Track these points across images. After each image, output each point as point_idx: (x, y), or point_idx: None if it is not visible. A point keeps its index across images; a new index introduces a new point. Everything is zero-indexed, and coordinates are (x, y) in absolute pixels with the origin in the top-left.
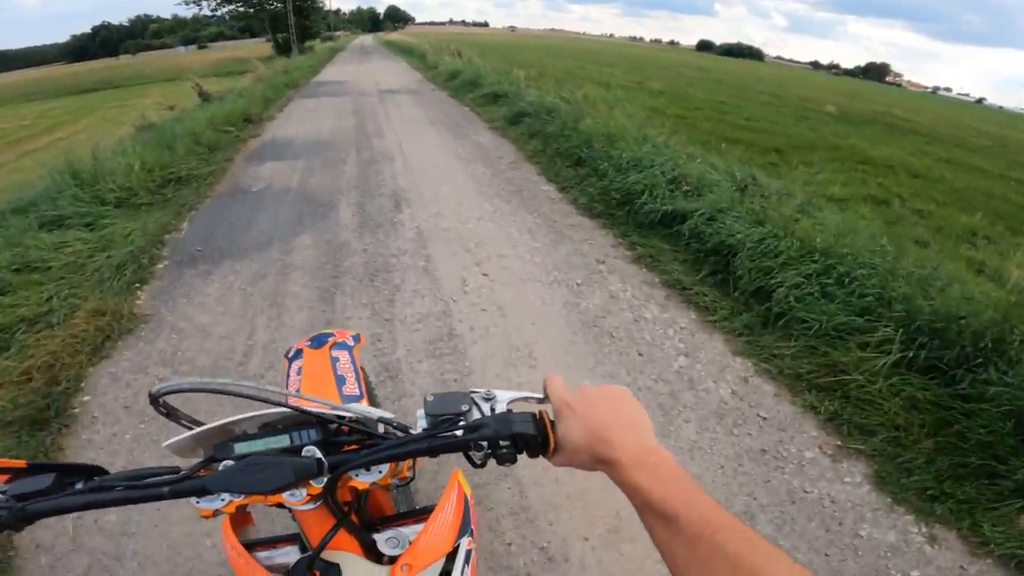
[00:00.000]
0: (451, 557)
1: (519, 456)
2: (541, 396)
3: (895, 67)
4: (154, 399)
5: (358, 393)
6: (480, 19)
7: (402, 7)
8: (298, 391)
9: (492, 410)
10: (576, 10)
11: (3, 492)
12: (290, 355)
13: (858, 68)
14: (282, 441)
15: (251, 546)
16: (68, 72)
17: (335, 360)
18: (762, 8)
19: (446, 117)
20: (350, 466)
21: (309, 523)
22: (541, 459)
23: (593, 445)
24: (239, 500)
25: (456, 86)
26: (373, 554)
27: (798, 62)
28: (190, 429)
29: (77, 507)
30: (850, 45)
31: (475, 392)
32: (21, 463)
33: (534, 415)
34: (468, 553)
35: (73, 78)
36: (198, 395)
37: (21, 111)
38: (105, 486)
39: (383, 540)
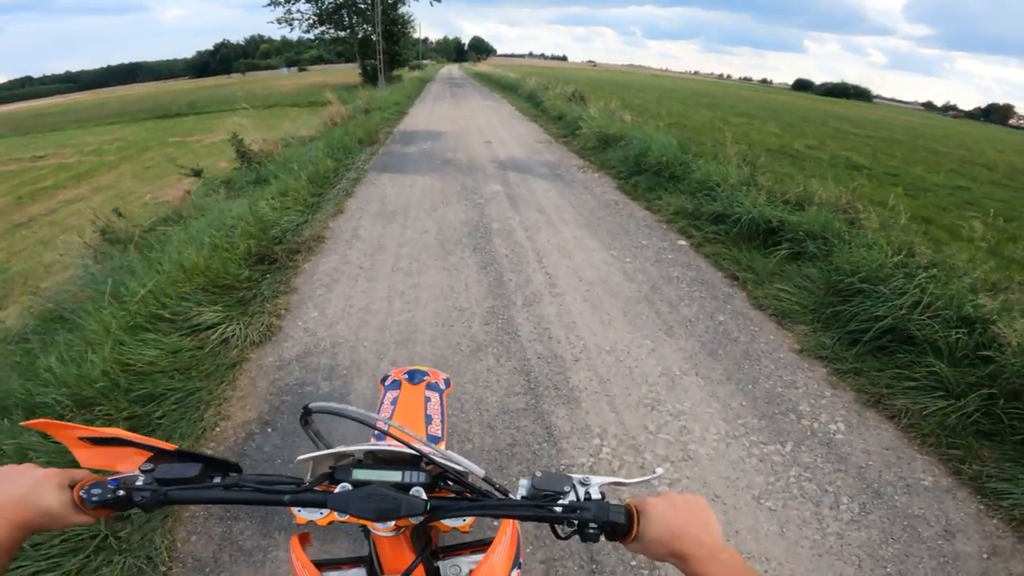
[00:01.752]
0: None
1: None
2: (629, 482)
3: (1019, 108)
4: (306, 412)
5: (440, 435)
6: (559, 52)
7: (484, 38)
8: (404, 430)
9: (587, 494)
10: (654, 46)
11: (147, 471)
12: (387, 383)
13: (978, 110)
14: (394, 476)
15: (320, 565)
16: (179, 89)
17: (427, 400)
18: (857, 45)
19: (661, 267)
20: (450, 514)
21: (385, 549)
22: None
23: (672, 541)
24: (334, 517)
25: (617, 165)
26: None
27: (906, 102)
28: (317, 446)
29: (210, 500)
30: (959, 82)
31: (574, 476)
32: (171, 447)
33: (627, 507)
34: None
35: (174, 96)
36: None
37: (86, 138)
38: (238, 484)
39: (447, 568)
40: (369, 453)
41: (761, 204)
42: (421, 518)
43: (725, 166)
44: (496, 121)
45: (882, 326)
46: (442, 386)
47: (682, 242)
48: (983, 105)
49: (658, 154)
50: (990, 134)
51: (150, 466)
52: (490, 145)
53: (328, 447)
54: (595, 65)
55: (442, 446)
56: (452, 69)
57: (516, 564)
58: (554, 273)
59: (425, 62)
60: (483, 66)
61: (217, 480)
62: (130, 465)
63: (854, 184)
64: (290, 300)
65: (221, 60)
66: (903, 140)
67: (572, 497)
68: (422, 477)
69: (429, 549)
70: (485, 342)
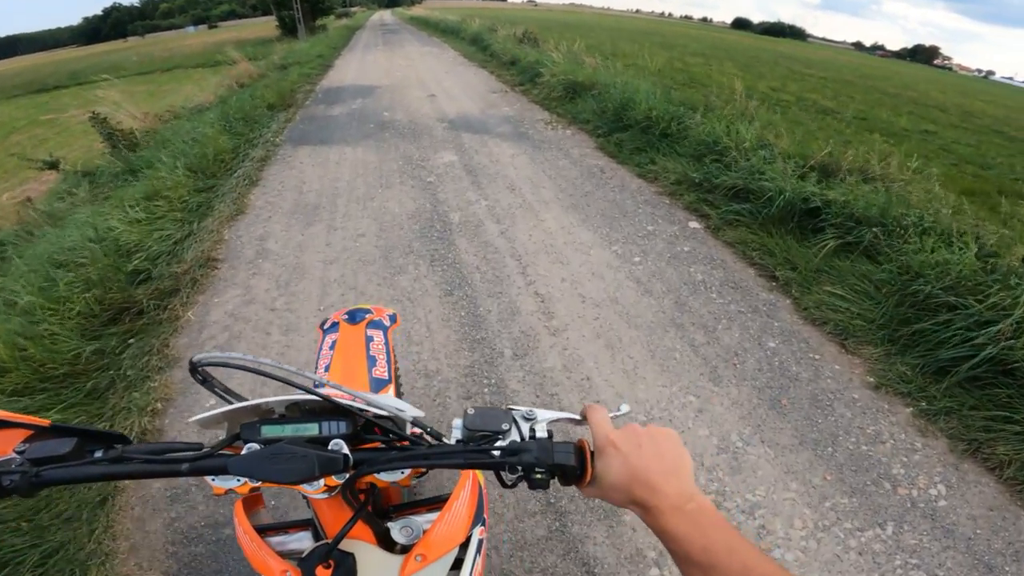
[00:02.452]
0: (464, 546)
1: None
2: (580, 419)
3: (943, 49)
4: (193, 367)
5: (387, 377)
6: None
7: None
8: (327, 370)
9: (532, 431)
10: None
11: (21, 453)
12: (325, 327)
13: (905, 50)
14: (311, 429)
15: (263, 530)
16: (65, 58)
17: (369, 339)
18: None
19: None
20: (376, 468)
21: (324, 512)
22: None
23: (632, 487)
24: (255, 483)
25: (593, 119)
26: (386, 543)
27: (837, 42)
28: (223, 399)
29: (92, 477)
30: (886, 23)
31: (515, 409)
32: (45, 422)
33: (576, 445)
34: (480, 542)
35: (56, 66)
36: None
37: None
38: (124, 457)
39: (397, 529)
40: (294, 405)
41: (789, 176)
42: (346, 475)
43: (735, 124)
44: (439, 69)
45: (983, 357)
46: (386, 323)
47: (695, 224)
48: (909, 46)
49: (645, 107)
50: (923, 74)
51: (24, 446)
52: (435, 100)
53: (232, 396)
54: (535, 5)
55: (390, 389)
56: (384, 15)
57: (478, 520)
58: (547, 293)
59: (353, 10)
60: (418, 10)
61: (99, 454)
62: (5, 447)
63: (841, 135)
64: (170, 381)
65: (114, 24)
66: (854, 81)
67: (514, 436)
68: (343, 427)
69: (366, 508)
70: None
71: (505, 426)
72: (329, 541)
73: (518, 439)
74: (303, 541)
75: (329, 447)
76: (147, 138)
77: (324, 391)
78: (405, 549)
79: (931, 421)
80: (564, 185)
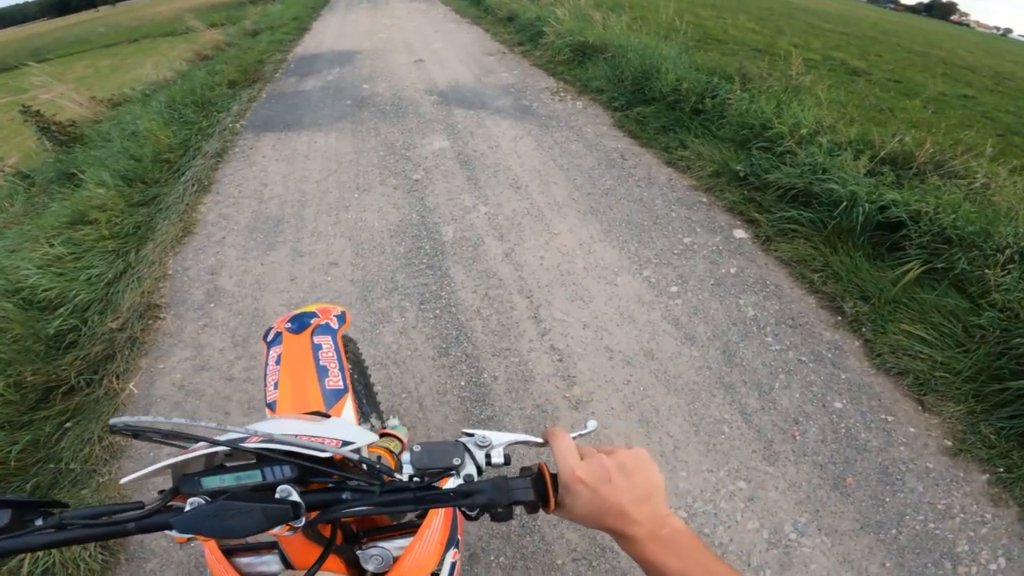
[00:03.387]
0: (436, 572)
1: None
2: (540, 441)
3: (961, 5)
4: (112, 430)
5: (342, 387)
6: None
7: None
8: (276, 388)
9: (487, 458)
10: None
11: None
12: (269, 338)
13: (921, 4)
14: (253, 477)
15: (232, 551)
16: (31, 33)
17: (317, 348)
18: None
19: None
20: (329, 516)
21: (291, 545)
22: None
23: (604, 518)
24: None
25: (607, 88)
26: (357, 569)
27: None
28: (164, 444)
29: (36, 546)
30: None
31: (467, 436)
32: None
33: (533, 477)
34: (453, 566)
35: (20, 43)
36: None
37: None
38: (65, 524)
39: (367, 558)
40: (238, 451)
41: (861, 175)
42: (302, 521)
43: (787, 101)
44: (428, 28)
45: None
46: (335, 324)
47: (741, 233)
48: (925, 0)
49: (672, 78)
50: (944, 31)
51: None
52: (423, 66)
53: (171, 439)
54: None
55: (347, 399)
56: None
57: (452, 543)
58: (567, 348)
59: None
60: None
61: (39, 522)
62: None
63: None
64: (121, 473)
65: None
66: (877, 38)
67: (469, 468)
68: (287, 471)
69: (334, 543)
70: None
71: (456, 460)
72: (296, 572)
73: (473, 471)
74: (271, 564)
75: (277, 494)
76: (94, 130)
77: (252, 443)
78: None
79: (1007, 488)
80: (579, 180)
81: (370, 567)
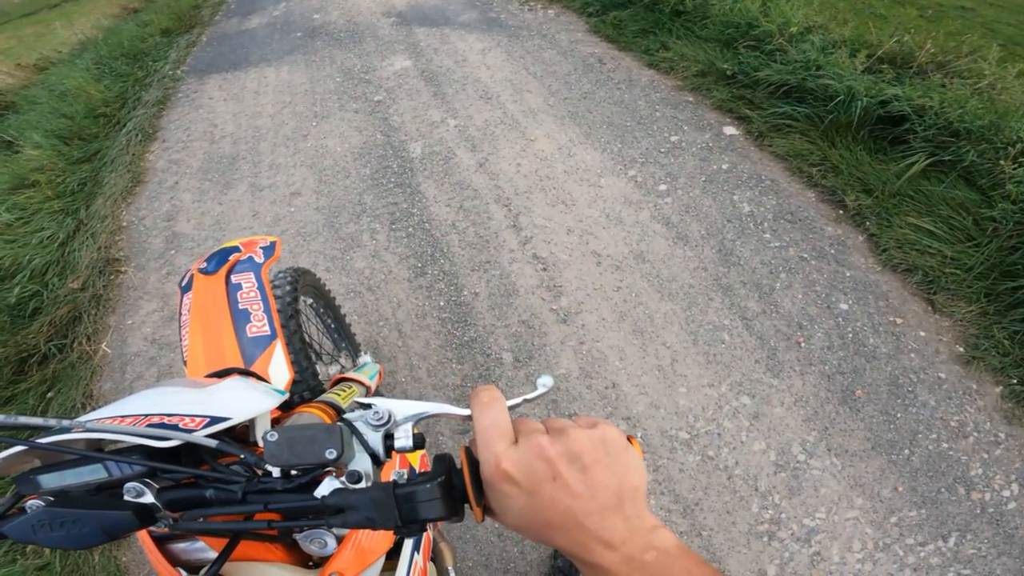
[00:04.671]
0: (395, 551)
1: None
2: (466, 413)
3: None
4: None
5: (268, 332)
6: None
7: None
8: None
9: (388, 440)
10: None
11: None
12: (183, 283)
13: None
14: (96, 472)
15: (165, 539)
16: None
17: (235, 288)
18: None
19: None
20: (192, 520)
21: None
22: None
23: (551, 537)
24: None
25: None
26: (298, 555)
27: None
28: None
29: None
30: None
31: (360, 410)
32: None
33: (443, 478)
34: (418, 540)
35: None
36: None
37: None
38: None
39: (307, 541)
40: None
41: (857, 72)
42: (166, 522)
43: (775, 0)
44: None
45: None
46: (260, 258)
47: (731, 130)
48: None
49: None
50: None
51: None
52: None
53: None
54: None
55: (276, 347)
56: None
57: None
58: (551, 255)
59: None
60: None
61: None
62: None
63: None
64: None
65: None
66: None
67: (359, 463)
68: (136, 466)
69: (230, 547)
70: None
71: (330, 451)
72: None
73: (367, 463)
74: (207, 551)
75: (124, 493)
76: (22, 96)
77: (78, 433)
78: (324, 560)
79: (1021, 403)
80: (555, 86)
81: (314, 548)
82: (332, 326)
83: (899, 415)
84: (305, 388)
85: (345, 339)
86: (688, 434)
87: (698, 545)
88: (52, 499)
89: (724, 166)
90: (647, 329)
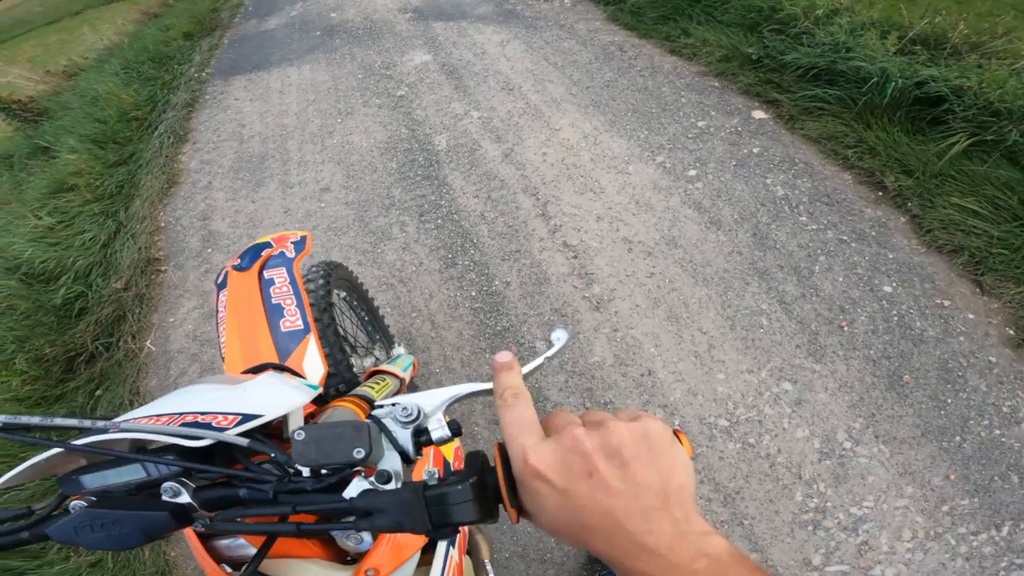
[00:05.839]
0: (431, 545)
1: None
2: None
3: None
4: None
5: (301, 326)
6: None
7: None
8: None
9: (421, 435)
10: None
11: None
12: (219, 281)
13: None
14: (136, 472)
15: (210, 536)
16: None
17: (268, 284)
18: None
19: None
20: (228, 520)
21: None
22: None
23: (589, 540)
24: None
25: None
26: (335, 550)
27: None
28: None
29: None
30: None
31: (386, 406)
32: None
33: (478, 474)
34: (453, 538)
35: None
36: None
37: None
38: None
39: (343, 537)
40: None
41: (889, 54)
42: (205, 522)
43: None
44: None
45: None
46: (291, 253)
47: (760, 114)
48: None
49: None
50: None
51: None
52: None
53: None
54: None
55: (309, 341)
56: None
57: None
58: (581, 243)
59: None
60: None
61: None
62: None
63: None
64: None
65: None
66: None
67: (389, 462)
68: (173, 467)
69: (266, 547)
70: None
71: (358, 451)
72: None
73: (397, 462)
74: (249, 547)
75: (162, 493)
76: (54, 101)
77: (111, 435)
78: (361, 555)
79: None
80: (576, 75)
81: (350, 544)
82: (366, 319)
83: (949, 400)
84: (340, 381)
85: (379, 331)
86: (728, 421)
87: (739, 535)
88: (94, 499)
89: (755, 150)
90: (682, 315)
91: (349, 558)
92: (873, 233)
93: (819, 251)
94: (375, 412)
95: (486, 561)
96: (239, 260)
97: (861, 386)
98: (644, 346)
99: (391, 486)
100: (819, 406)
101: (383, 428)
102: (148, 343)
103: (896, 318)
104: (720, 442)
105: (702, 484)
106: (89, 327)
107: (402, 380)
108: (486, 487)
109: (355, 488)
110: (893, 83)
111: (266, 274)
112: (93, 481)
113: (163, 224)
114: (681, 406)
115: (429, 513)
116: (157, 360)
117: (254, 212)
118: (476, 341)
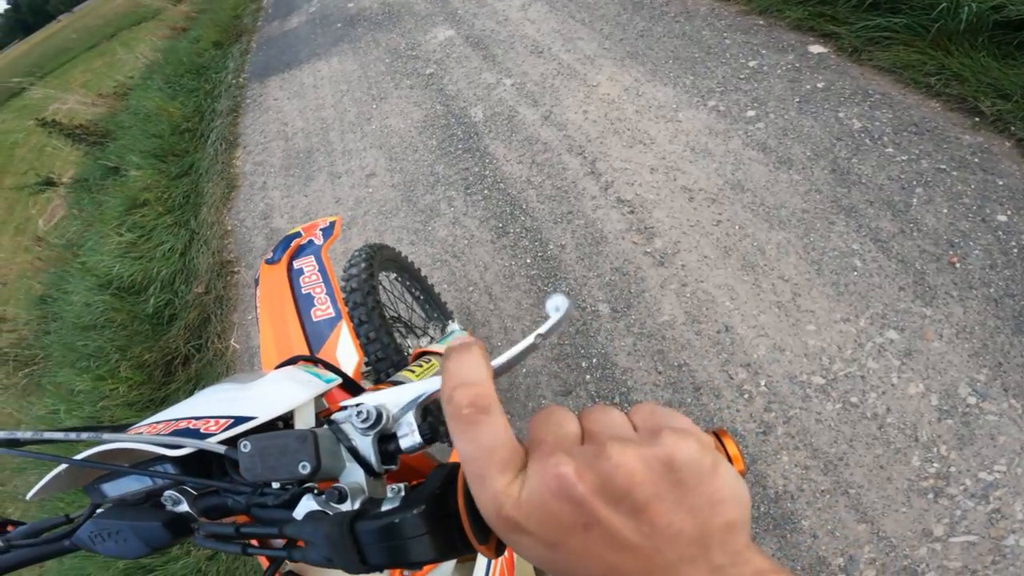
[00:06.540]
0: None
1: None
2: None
3: None
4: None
5: (333, 314)
6: None
7: None
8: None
9: (387, 443)
10: None
11: None
12: (256, 277)
13: None
14: (143, 481)
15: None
16: (16, 56)
17: (297, 273)
18: None
19: None
20: (221, 528)
21: None
22: None
23: None
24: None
25: None
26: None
27: None
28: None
29: None
30: None
31: (349, 407)
32: None
33: (433, 499)
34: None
35: (11, 68)
36: None
37: None
38: (12, 546)
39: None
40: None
41: None
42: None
43: None
44: None
45: None
46: (319, 240)
47: (818, 48)
48: None
49: None
50: None
51: None
52: None
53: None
54: None
55: (341, 328)
56: None
57: None
58: (636, 197)
59: None
60: None
61: None
62: None
63: None
64: None
65: (35, 11)
66: None
67: (352, 475)
68: (169, 470)
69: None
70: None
71: (303, 465)
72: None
73: (359, 475)
74: None
75: (163, 498)
76: (112, 122)
77: (111, 445)
78: None
79: None
80: (607, 29)
81: None
82: (421, 297)
83: None
84: (390, 365)
85: (436, 308)
86: (823, 378)
87: (844, 504)
88: (112, 507)
89: (819, 84)
90: (758, 263)
91: None
92: (976, 160)
93: (914, 182)
94: (336, 416)
95: None
96: (271, 253)
97: (983, 331)
98: (718, 300)
99: (346, 507)
100: (933, 356)
101: (340, 436)
102: (232, 341)
103: (1016, 250)
104: (816, 403)
105: (796, 450)
106: (180, 331)
107: None
108: (449, 515)
109: (302, 509)
110: (967, 7)
111: (295, 264)
112: (112, 490)
113: (230, 227)
114: (767, 364)
115: (361, 552)
116: (242, 356)
117: (308, 205)
118: (535, 310)
